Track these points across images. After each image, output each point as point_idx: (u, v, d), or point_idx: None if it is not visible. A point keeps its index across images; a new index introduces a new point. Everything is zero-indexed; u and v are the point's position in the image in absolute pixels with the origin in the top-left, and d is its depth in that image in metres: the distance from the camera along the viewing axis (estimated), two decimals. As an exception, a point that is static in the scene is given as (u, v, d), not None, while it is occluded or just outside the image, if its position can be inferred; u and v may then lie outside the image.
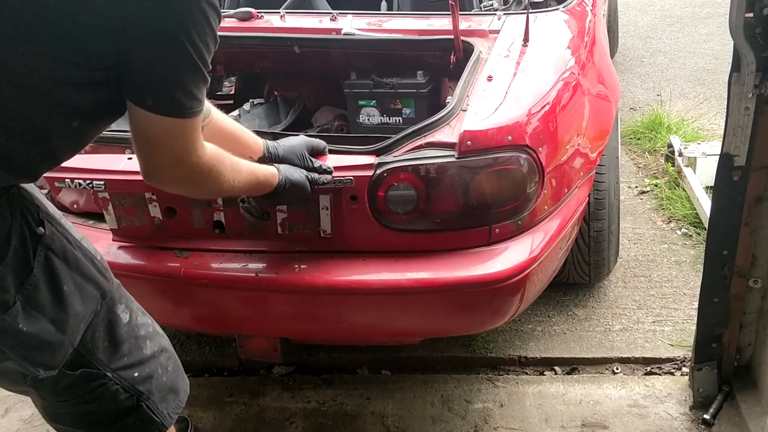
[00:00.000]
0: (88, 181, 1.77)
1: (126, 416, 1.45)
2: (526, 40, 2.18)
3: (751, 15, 1.57)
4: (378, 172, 1.77)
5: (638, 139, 3.90)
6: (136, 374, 1.44)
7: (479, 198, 1.81)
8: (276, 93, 2.68)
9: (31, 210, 1.24)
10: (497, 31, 2.29)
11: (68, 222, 1.38)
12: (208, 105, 1.57)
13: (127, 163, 1.78)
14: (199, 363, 2.50)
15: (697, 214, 3.08)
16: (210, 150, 1.33)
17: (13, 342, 1.21)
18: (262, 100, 2.60)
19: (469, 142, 1.76)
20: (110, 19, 1.12)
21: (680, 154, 3.38)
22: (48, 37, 1.11)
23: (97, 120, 1.28)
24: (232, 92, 3.01)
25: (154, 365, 1.48)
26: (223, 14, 2.60)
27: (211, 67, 1.24)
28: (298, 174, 1.66)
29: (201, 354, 2.53)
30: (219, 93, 2.95)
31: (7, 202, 1.20)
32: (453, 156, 1.77)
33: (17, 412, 2.33)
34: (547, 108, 1.94)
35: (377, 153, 1.80)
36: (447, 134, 1.81)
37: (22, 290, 1.19)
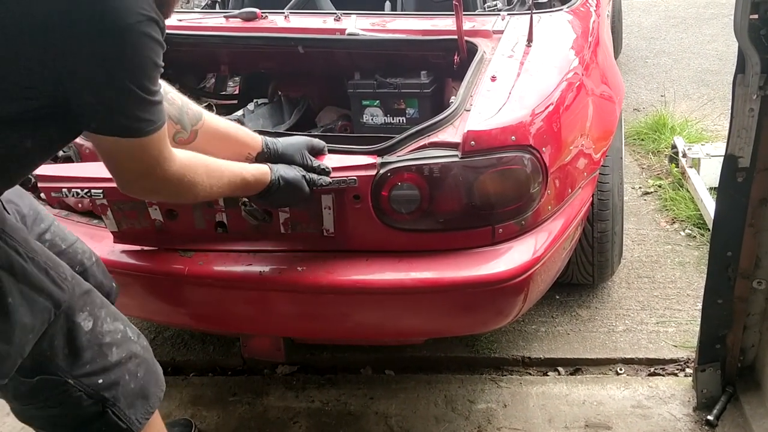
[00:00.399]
0: (86, 190, 1.76)
1: (92, 422, 1.46)
2: (529, 40, 2.18)
3: (756, 17, 1.57)
4: (381, 171, 1.77)
5: (642, 139, 3.90)
6: (100, 381, 1.44)
7: (483, 198, 1.81)
8: (280, 93, 2.68)
9: None
10: (501, 32, 2.29)
11: (23, 231, 1.39)
12: (198, 109, 1.58)
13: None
14: (203, 362, 2.50)
15: (700, 215, 3.07)
16: (181, 160, 1.33)
17: None
18: (266, 100, 2.60)
19: (472, 142, 1.76)
20: (46, 55, 1.13)
21: (684, 155, 3.38)
22: None
23: (49, 145, 1.29)
24: (237, 92, 3.02)
25: (121, 372, 1.48)
26: (227, 14, 2.62)
27: (158, 87, 1.23)
28: (293, 172, 1.64)
29: (205, 353, 2.54)
30: (223, 93, 2.96)
31: None
32: (456, 156, 1.77)
33: (21, 410, 2.33)
34: (550, 108, 1.94)
35: (381, 153, 1.80)
36: (450, 134, 1.81)
37: None
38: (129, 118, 1.20)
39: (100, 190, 1.74)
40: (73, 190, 1.76)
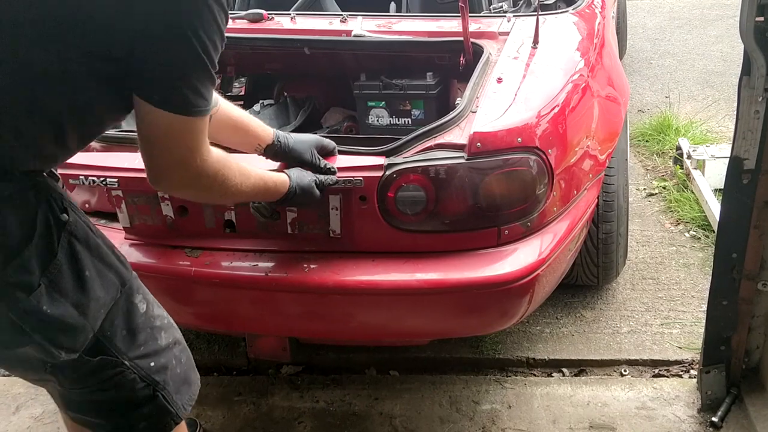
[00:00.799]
0: (102, 179, 1.79)
1: (142, 405, 1.46)
2: (535, 42, 2.19)
3: (762, 19, 1.58)
4: (388, 173, 1.78)
5: (647, 141, 3.90)
6: (152, 364, 1.45)
7: (488, 199, 1.81)
8: (286, 94, 2.69)
9: (55, 197, 1.27)
10: (507, 33, 2.30)
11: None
12: (215, 95, 1.57)
13: (140, 161, 1.79)
14: (209, 362, 2.51)
15: (705, 216, 3.08)
16: (216, 154, 1.34)
17: (37, 324, 1.24)
18: (272, 101, 2.61)
19: (478, 144, 1.77)
20: (118, 13, 1.15)
21: (689, 157, 3.38)
22: (55, 31, 1.14)
23: (105, 113, 1.30)
24: (243, 93, 3.03)
25: (169, 356, 1.49)
26: (233, 15, 2.63)
27: (218, 67, 1.26)
28: (307, 179, 1.68)
29: (210, 353, 2.54)
30: (229, 94, 2.96)
31: (34, 190, 1.23)
32: (463, 157, 1.77)
33: (28, 409, 2.34)
34: (556, 110, 1.95)
35: (387, 154, 1.80)
36: (457, 136, 1.82)
37: (46, 274, 1.23)
38: (191, 89, 1.21)
39: (116, 179, 1.76)
40: (90, 177, 1.78)
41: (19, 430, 2.28)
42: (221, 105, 1.60)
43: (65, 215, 1.27)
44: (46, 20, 1.14)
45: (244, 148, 1.68)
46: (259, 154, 1.72)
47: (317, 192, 1.69)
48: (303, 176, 1.67)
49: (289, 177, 1.64)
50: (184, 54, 1.19)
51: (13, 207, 1.20)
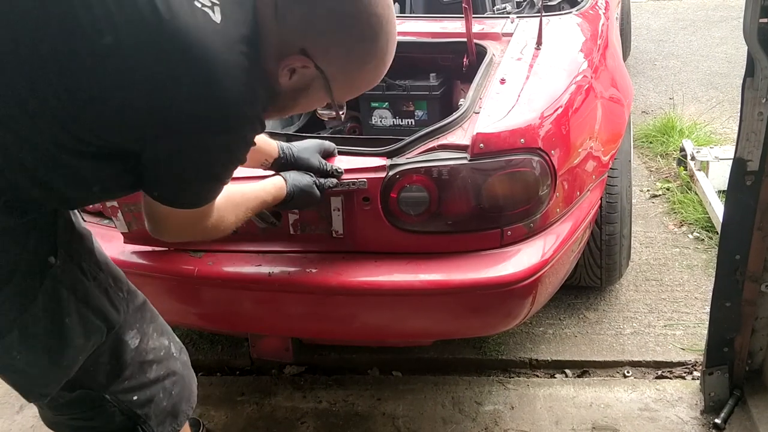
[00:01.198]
0: None
1: None
2: (539, 43, 2.19)
3: (766, 20, 1.57)
4: (391, 173, 1.78)
5: (650, 142, 3.90)
6: (135, 398, 1.43)
7: (491, 200, 1.81)
8: (289, 94, 2.68)
9: (46, 237, 1.20)
10: (510, 34, 2.30)
11: (97, 244, 1.38)
12: None
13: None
14: (212, 362, 2.52)
15: (709, 218, 3.07)
16: (216, 209, 1.33)
17: (5, 368, 1.23)
18: (275, 102, 2.61)
19: (481, 145, 1.77)
20: (143, 114, 1.07)
21: (692, 158, 3.38)
22: (76, 109, 1.06)
23: (115, 187, 1.25)
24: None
25: (156, 389, 1.47)
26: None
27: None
28: (305, 180, 1.68)
29: (213, 353, 2.55)
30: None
31: (24, 228, 1.17)
32: (465, 158, 1.77)
33: (32, 408, 2.34)
34: (559, 111, 1.95)
35: (390, 155, 1.81)
36: (460, 136, 1.82)
37: (21, 318, 1.18)
38: (196, 196, 1.23)
39: None
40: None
41: (23, 429, 2.29)
42: None
43: (52, 258, 1.21)
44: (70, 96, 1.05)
45: (251, 164, 1.64)
46: (266, 169, 1.70)
47: (317, 192, 1.69)
48: (301, 178, 1.67)
49: (285, 180, 1.64)
50: (196, 179, 1.19)
51: (2, 243, 1.14)
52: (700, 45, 5.54)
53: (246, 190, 1.52)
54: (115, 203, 1.84)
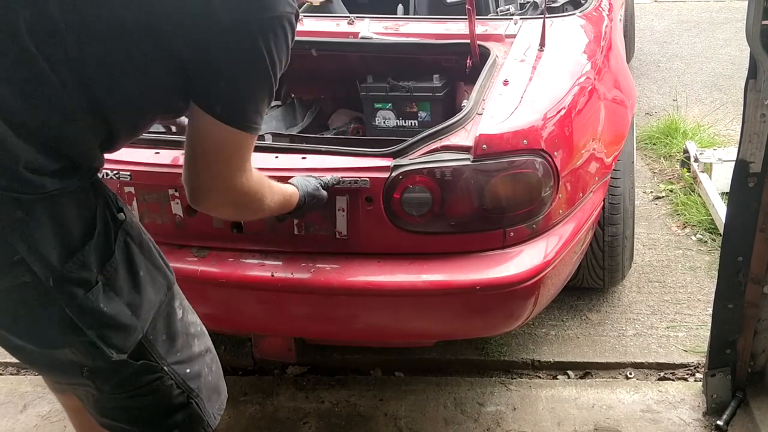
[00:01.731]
0: (115, 172, 1.81)
1: (176, 412, 1.44)
2: (542, 44, 2.19)
3: (768, 22, 1.58)
4: (394, 174, 1.79)
5: (654, 144, 3.89)
6: (188, 370, 1.43)
7: (494, 201, 1.82)
8: (293, 95, 2.70)
9: (111, 196, 1.28)
10: (513, 36, 2.30)
11: None
12: None
13: (153, 156, 1.81)
14: (214, 362, 2.52)
15: (712, 220, 3.07)
16: (256, 173, 1.36)
17: (92, 321, 1.24)
18: (279, 103, 2.62)
19: (484, 146, 1.78)
20: (196, 16, 1.15)
21: (696, 160, 3.37)
22: (137, 28, 1.15)
23: (159, 113, 1.34)
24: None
25: (202, 364, 1.48)
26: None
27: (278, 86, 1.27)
28: (311, 183, 1.70)
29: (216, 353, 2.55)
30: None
31: (92, 188, 1.24)
32: (468, 159, 1.78)
33: (35, 408, 2.36)
34: (562, 112, 1.95)
35: (393, 155, 1.81)
36: (463, 138, 1.82)
37: (103, 271, 1.23)
38: (254, 105, 1.23)
39: (129, 173, 1.77)
40: (103, 170, 1.79)
41: (27, 428, 2.29)
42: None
43: (122, 214, 1.28)
44: (130, 20, 1.16)
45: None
46: None
47: (324, 192, 1.71)
48: (306, 182, 1.69)
49: (296, 187, 1.65)
50: (254, 69, 1.20)
51: (76, 203, 1.21)
52: (704, 47, 5.53)
53: (273, 183, 1.52)
54: (132, 189, 1.85)
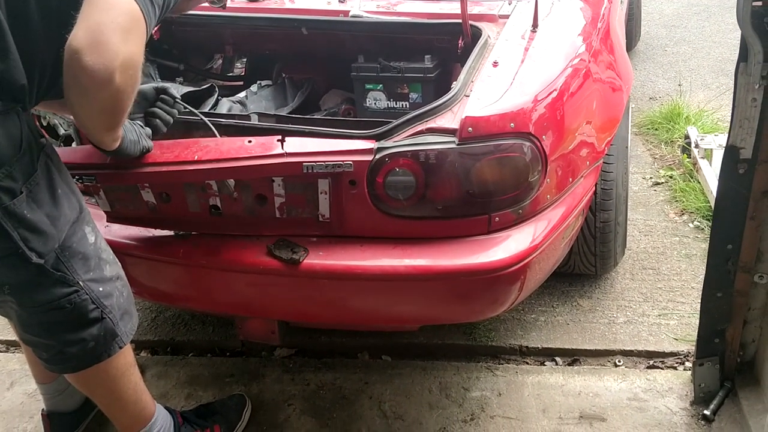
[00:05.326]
0: (77, 177, 1.73)
1: (91, 326, 1.62)
2: (535, 25, 2.14)
3: (760, 3, 1.53)
4: (377, 157, 1.75)
5: (656, 129, 3.84)
6: (100, 289, 1.62)
7: (480, 186, 1.78)
8: (284, 75, 2.66)
9: (33, 125, 1.49)
10: (507, 16, 2.26)
11: None
12: None
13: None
14: (203, 342, 2.52)
15: (710, 206, 3.02)
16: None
17: (16, 224, 1.42)
18: (269, 82, 2.58)
19: (470, 129, 1.74)
20: None
21: (696, 146, 3.33)
22: None
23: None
24: (243, 74, 3.01)
25: (113, 287, 1.66)
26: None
27: None
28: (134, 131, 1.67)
29: (204, 333, 2.55)
30: (230, 74, 2.94)
31: (17, 116, 1.42)
32: (454, 142, 1.74)
33: (22, 386, 2.36)
34: (553, 95, 1.91)
35: (377, 138, 1.78)
36: (449, 120, 1.78)
37: (26, 184, 1.43)
38: None
39: (93, 176, 1.74)
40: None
41: (13, 406, 2.30)
42: None
43: (44, 139, 1.51)
44: None
45: None
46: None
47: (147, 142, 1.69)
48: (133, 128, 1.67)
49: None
50: None
51: (4, 123, 1.38)
52: (713, 31, 5.45)
53: None
54: (98, 183, 1.82)
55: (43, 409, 2.07)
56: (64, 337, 1.63)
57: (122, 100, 1.39)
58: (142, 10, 1.38)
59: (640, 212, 3.09)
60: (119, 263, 1.73)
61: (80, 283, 1.57)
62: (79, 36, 1.30)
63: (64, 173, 1.57)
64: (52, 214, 1.49)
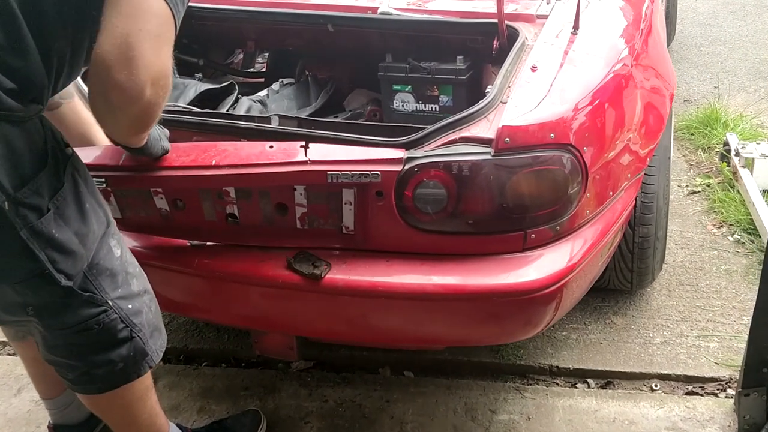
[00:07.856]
0: None
1: (120, 346, 1.51)
2: (575, 27, 2.01)
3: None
4: (407, 167, 1.64)
5: (692, 134, 3.68)
6: (129, 306, 1.51)
7: (515, 200, 1.67)
8: (308, 73, 2.55)
9: (58, 132, 1.37)
10: (545, 17, 2.12)
11: None
12: (71, 88, 1.61)
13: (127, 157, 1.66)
14: (217, 352, 2.43)
15: (751, 219, 2.87)
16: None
17: (44, 244, 1.31)
18: (292, 80, 2.47)
19: (507, 139, 1.62)
20: None
21: (737, 154, 3.17)
22: None
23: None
24: (265, 69, 2.89)
25: (141, 302, 1.55)
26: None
27: None
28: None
29: (219, 342, 2.45)
30: (251, 70, 2.84)
31: (40, 122, 1.31)
32: (489, 153, 1.63)
33: (29, 392, 2.28)
34: (594, 103, 1.79)
35: (407, 146, 1.66)
36: (484, 129, 1.67)
37: (54, 201, 1.32)
38: None
39: (103, 179, 1.64)
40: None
41: (20, 413, 2.22)
42: (76, 100, 1.63)
43: (69, 149, 1.39)
44: None
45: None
46: None
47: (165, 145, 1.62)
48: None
49: None
50: None
51: (25, 132, 1.27)
52: (750, 31, 5.26)
53: None
54: (108, 186, 1.72)
55: (49, 422, 1.99)
56: (92, 359, 1.52)
57: (154, 112, 1.29)
58: (171, 7, 1.24)
59: (676, 223, 2.94)
60: (145, 275, 1.60)
61: (109, 302, 1.47)
62: (106, 49, 1.17)
63: (91, 184, 1.45)
64: (81, 232, 1.38)
